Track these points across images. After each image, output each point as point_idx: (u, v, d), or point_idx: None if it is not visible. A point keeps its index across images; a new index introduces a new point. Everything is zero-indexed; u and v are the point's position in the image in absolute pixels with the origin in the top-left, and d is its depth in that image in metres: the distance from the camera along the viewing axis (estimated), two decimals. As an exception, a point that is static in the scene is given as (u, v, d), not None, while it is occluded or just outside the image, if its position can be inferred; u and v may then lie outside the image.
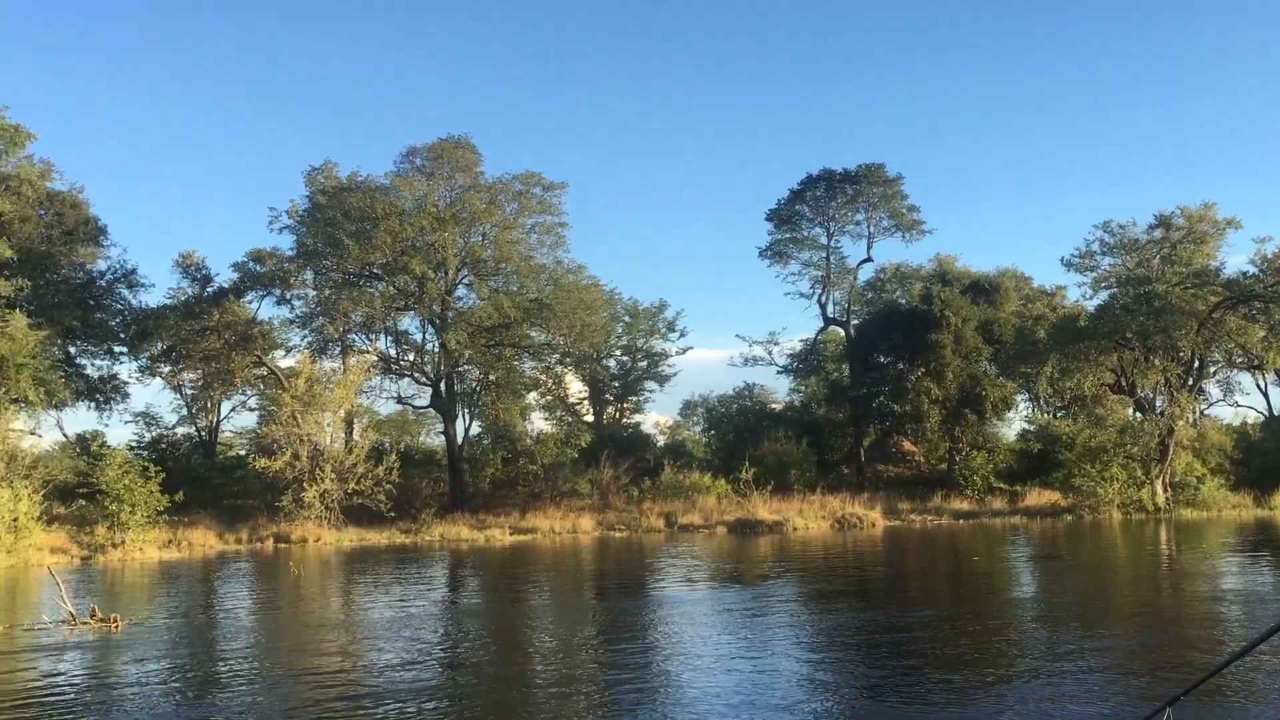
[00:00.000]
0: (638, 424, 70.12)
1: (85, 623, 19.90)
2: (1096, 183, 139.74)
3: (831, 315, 68.36)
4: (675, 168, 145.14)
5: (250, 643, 18.97)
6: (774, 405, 70.47)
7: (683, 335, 69.36)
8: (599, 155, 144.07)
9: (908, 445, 67.35)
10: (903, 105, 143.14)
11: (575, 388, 68.84)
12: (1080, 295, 67.55)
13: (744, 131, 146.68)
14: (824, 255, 67.32)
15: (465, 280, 56.63)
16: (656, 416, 74.78)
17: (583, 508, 53.37)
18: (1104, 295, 61.29)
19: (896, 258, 78.92)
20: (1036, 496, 54.52)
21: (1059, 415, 66.41)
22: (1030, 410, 69.63)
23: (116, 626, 19.67)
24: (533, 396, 65.63)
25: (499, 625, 20.80)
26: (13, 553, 36.03)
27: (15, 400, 47.85)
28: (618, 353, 69.01)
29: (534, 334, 56.98)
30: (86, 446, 57.57)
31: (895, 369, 62.23)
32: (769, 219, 67.57)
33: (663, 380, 69.38)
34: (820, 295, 67.82)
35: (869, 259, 68.14)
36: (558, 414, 68.19)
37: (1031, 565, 31.49)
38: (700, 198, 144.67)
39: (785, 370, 70.97)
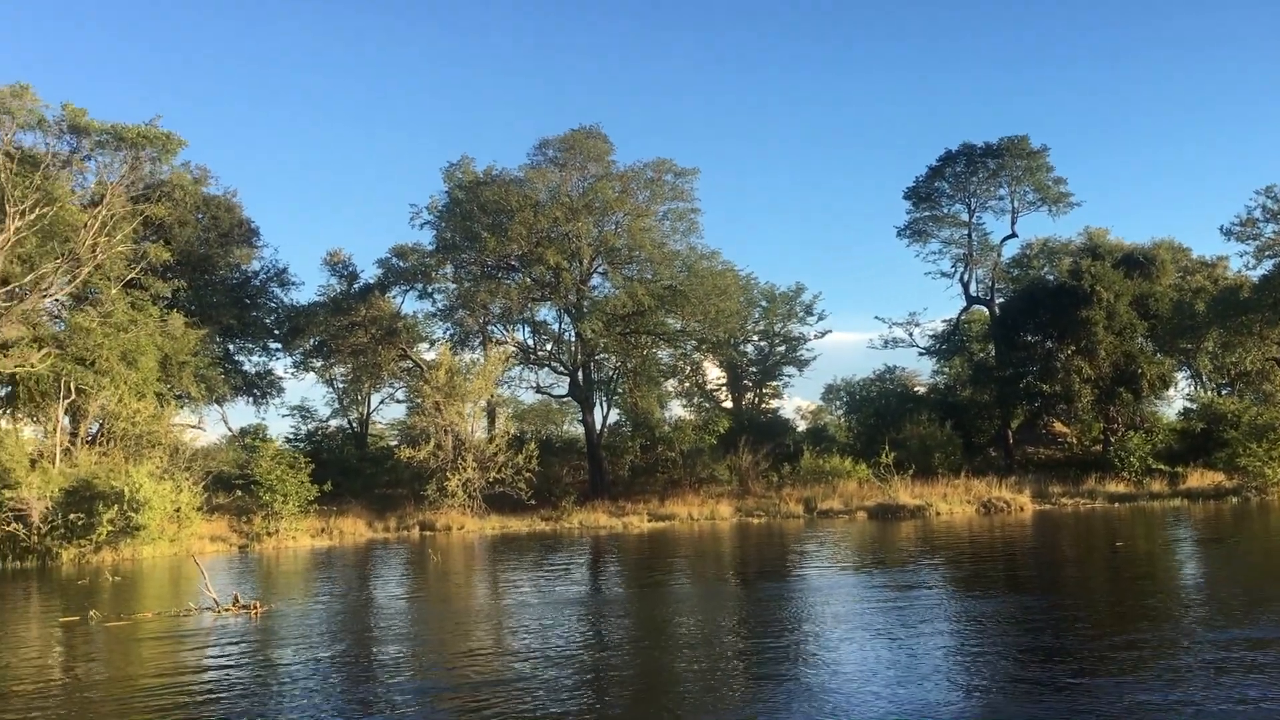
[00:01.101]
0: (777, 409, 69.54)
1: (227, 609, 20.73)
2: (1256, 146, 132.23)
3: (975, 294, 66.37)
4: (810, 149, 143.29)
5: (383, 628, 19.34)
6: (918, 388, 68.92)
7: (821, 318, 68.47)
8: (732, 140, 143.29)
9: (1059, 426, 64.91)
10: (1047, 74, 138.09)
11: (713, 374, 68.70)
12: (1243, 265, 63.79)
13: (879, 109, 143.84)
14: (965, 232, 65.39)
15: (599, 269, 56.98)
16: (799, 401, 73.97)
17: (721, 494, 53.16)
18: (1268, 265, 57.63)
19: (1043, 232, 76.10)
20: (1199, 478, 51.75)
21: (1224, 392, 63.00)
22: (1192, 388, 66.30)
23: (256, 613, 20.44)
24: (670, 383, 65.80)
25: (641, 610, 20.72)
26: (176, 541, 37.85)
27: (179, 396, 50.37)
28: (755, 338, 68.52)
29: (669, 321, 56.93)
30: (248, 439, 60.10)
31: (1043, 348, 59.92)
32: (907, 197, 65.99)
33: (802, 364, 68.57)
34: (962, 274, 65.96)
35: (1013, 235, 65.96)
36: (695, 400, 68.16)
37: (1193, 550, 29.89)
38: (836, 179, 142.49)
39: (927, 352, 69.32)
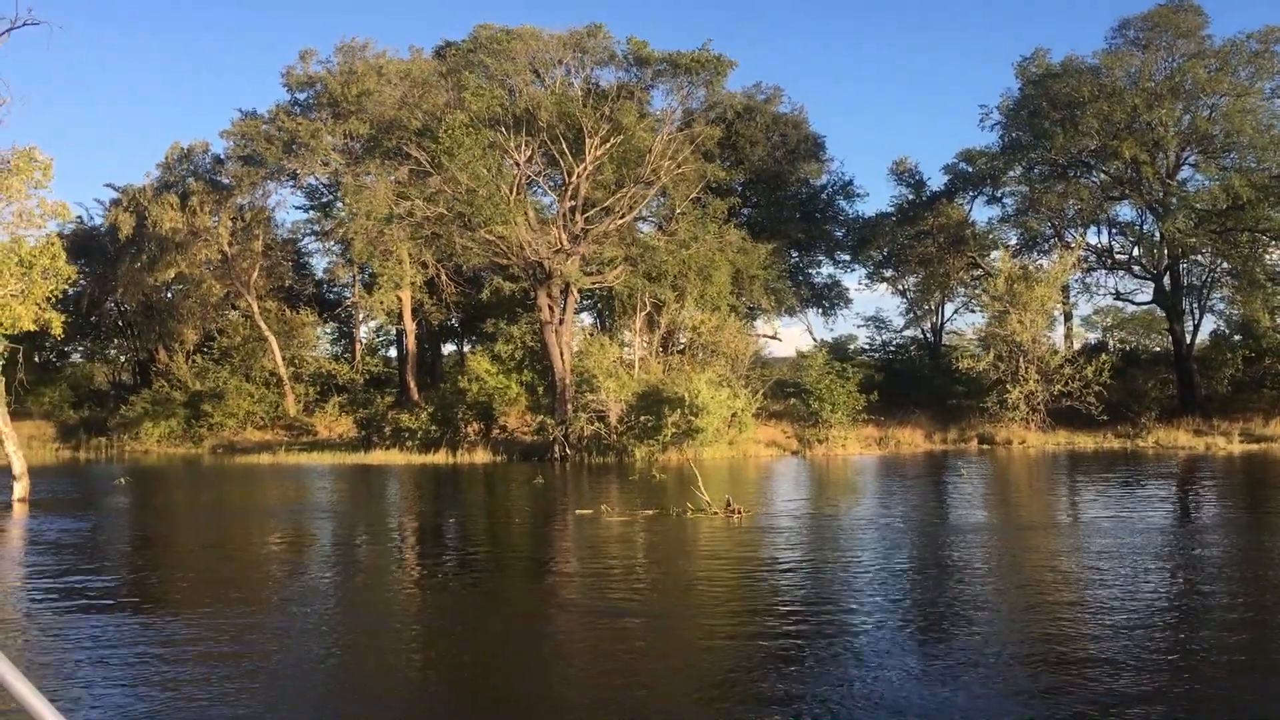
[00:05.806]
0: None
1: (716, 512, 21.90)
2: None
3: None
4: None
5: (826, 541, 19.08)
6: None
7: None
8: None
9: None
10: None
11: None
12: None
13: None
14: None
15: (1189, 160, 50.45)
16: None
17: (1349, 414, 45.27)
18: None
19: None
20: None
21: None
22: None
23: (740, 517, 21.35)
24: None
25: (1250, 542, 18.22)
26: (734, 444, 40.57)
27: (750, 308, 53.54)
28: None
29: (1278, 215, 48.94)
30: (836, 351, 62.29)
31: None
32: None
33: None
34: None
35: None
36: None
37: None
38: None
39: None
